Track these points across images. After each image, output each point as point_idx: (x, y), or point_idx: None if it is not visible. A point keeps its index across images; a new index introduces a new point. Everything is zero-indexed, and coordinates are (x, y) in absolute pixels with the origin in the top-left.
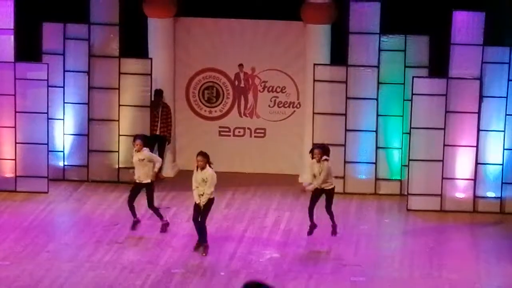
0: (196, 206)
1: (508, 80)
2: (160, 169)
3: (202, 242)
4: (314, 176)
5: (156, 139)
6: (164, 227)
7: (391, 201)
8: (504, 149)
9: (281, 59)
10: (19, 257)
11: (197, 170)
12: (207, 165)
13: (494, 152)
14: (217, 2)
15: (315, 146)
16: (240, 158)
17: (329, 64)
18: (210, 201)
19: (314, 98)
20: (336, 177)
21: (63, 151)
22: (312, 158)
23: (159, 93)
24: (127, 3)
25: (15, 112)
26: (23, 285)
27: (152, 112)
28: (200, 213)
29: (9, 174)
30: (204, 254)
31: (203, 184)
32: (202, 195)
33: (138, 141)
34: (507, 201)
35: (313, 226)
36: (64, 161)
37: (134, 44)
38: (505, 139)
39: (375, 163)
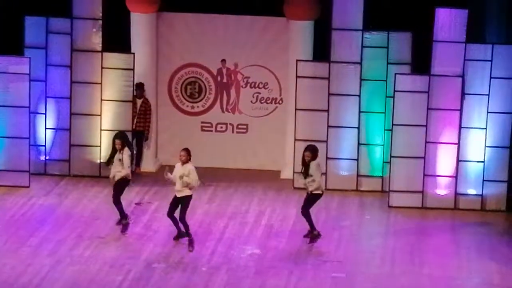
0: (173, 201)
1: (490, 77)
2: (139, 163)
3: (186, 236)
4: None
5: (133, 134)
6: (125, 227)
7: (373, 197)
8: (485, 146)
9: (264, 55)
10: (0, 251)
11: (181, 164)
12: (189, 161)
13: (475, 150)
14: None
15: (306, 148)
16: (222, 154)
17: (311, 60)
18: (189, 198)
19: (297, 94)
20: None
21: (44, 145)
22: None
23: (140, 86)
24: None
25: None
26: (4, 279)
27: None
28: (179, 210)
29: None
30: (191, 250)
31: (179, 180)
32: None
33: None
34: (488, 198)
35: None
36: (45, 156)
37: (116, 38)
38: (487, 137)
39: (357, 160)
